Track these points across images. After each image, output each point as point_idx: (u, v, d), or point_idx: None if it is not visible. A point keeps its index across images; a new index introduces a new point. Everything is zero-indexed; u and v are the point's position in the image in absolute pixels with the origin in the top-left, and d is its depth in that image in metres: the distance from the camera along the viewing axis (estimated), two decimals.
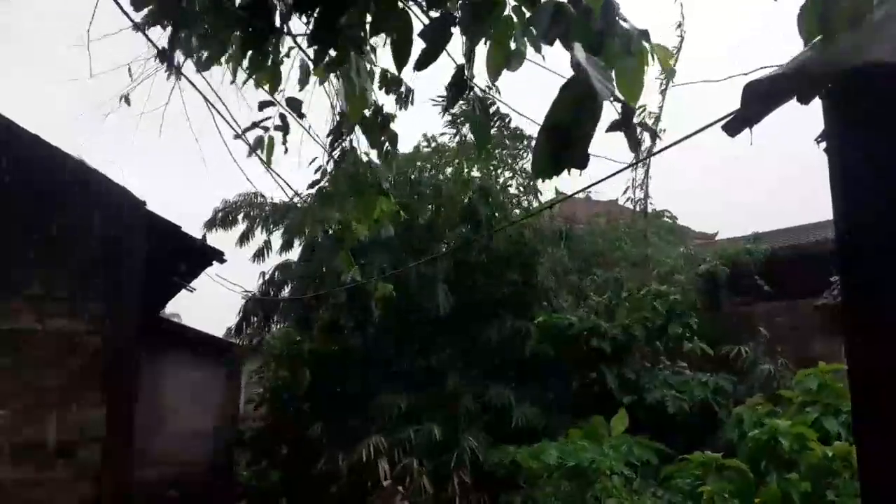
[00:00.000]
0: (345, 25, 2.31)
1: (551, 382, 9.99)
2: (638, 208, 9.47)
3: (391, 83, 3.22)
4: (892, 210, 1.76)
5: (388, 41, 2.26)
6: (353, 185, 3.22)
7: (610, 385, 9.15)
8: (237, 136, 3.14)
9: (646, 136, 10.04)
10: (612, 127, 1.66)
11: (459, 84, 2.27)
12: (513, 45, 2.28)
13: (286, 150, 3.05)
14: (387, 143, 3.28)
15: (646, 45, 1.96)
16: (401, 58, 2.26)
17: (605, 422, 7.04)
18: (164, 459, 9.70)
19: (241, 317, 12.50)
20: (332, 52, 2.57)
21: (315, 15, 2.35)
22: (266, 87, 2.91)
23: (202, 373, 11.66)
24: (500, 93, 3.73)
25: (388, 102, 3.31)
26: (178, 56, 3.33)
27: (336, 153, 3.35)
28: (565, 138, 1.57)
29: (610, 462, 6.31)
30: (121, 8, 2.93)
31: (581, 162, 1.60)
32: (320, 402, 10.38)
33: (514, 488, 7.98)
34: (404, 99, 3.25)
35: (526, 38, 2.25)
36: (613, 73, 1.79)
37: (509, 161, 11.36)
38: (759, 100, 1.75)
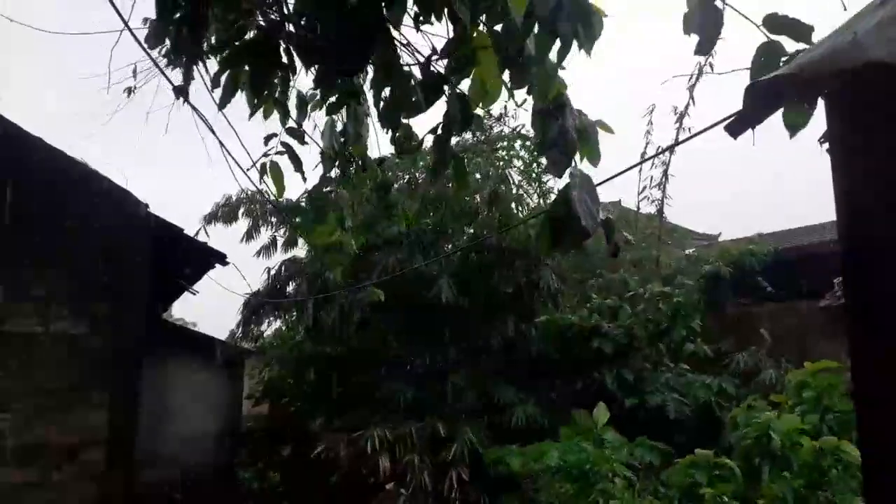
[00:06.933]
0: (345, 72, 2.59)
1: (555, 383, 9.96)
2: (654, 208, 9.55)
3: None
4: (895, 211, 1.76)
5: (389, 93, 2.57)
6: (316, 213, 3.40)
7: (610, 387, 9.12)
8: (249, 169, 3.40)
9: (651, 140, 10.16)
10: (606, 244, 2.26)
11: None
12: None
13: (304, 178, 3.31)
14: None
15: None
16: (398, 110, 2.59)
17: (589, 415, 7.02)
18: (167, 461, 9.70)
19: (244, 316, 12.48)
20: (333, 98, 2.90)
21: (319, 66, 2.62)
22: (272, 117, 3.08)
23: (205, 374, 11.66)
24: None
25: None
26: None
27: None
28: (564, 227, 1.98)
29: (612, 464, 6.29)
30: (137, 41, 2.96)
31: (579, 243, 1.99)
32: (323, 402, 10.36)
33: (515, 487, 7.94)
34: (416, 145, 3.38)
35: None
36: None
37: (516, 162, 11.29)
38: (761, 101, 1.75)
